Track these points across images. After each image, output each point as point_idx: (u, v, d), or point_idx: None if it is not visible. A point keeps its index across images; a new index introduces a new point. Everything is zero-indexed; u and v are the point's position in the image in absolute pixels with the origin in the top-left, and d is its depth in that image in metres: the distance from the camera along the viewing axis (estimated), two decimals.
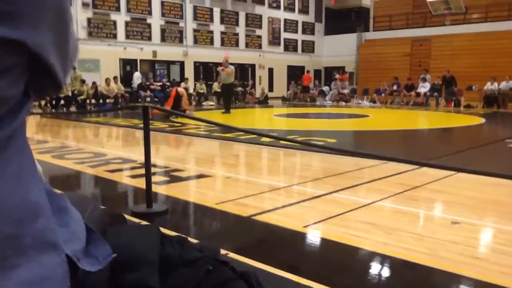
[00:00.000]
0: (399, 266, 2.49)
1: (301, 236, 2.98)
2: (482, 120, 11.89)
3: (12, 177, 0.67)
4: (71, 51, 0.77)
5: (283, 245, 2.84)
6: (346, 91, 20.85)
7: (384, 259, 2.56)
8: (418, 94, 18.30)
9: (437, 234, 2.92)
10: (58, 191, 0.90)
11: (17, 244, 0.69)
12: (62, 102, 15.21)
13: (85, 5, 17.19)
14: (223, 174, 5.03)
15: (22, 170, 0.69)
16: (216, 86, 19.30)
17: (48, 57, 0.66)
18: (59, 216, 0.82)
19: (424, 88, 18.22)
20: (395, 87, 19.40)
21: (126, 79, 18.36)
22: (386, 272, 2.46)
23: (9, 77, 0.61)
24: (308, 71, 24.76)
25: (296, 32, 26.32)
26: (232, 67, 13.65)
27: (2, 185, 0.65)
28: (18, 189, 0.68)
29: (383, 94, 19.66)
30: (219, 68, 14.14)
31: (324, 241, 2.92)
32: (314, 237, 3.01)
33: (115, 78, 16.59)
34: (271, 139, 6.40)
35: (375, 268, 2.49)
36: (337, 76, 22.01)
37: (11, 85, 0.63)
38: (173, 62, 20.65)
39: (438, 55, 21.86)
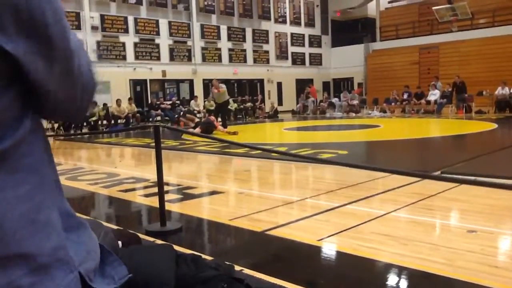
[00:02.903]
0: (416, 277, 2.46)
1: (316, 250, 2.97)
2: (495, 126, 11.77)
3: (24, 198, 0.70)
4: (73, 63, 0.75)
5: (298, 259, 2.82)
6: (355, 102, 20.83)
7: (401, 270, 2.54)
8: (428, 102, 18.21)
9: (454, 243, 2.89)
10: None
11: (30, 263, 0.71)
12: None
13: (94, 28, 17.50)
14: (236, 190, 5.03)
15: (34, 189, 0.72)
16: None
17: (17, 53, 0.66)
18: (78, 233, 0.83)
19: (434, 95, 18.13)
20: (405, 96, 19.33)
21: (136, 99, 18.56)
22: (403, 284, 2.43)
23: None
24: (311, 85, 24.29)
25: (303, 45, 26.44)
26: (224, 86, 13.28)
27: (14, 205, 0.69)
28: (30, 209, 0.71)
29: (393, 104, 19.59)
30: (213, 90, 13.73)
31: (339, 254, 2.90)
32: (329, 250, 3.00)
33: (130, 99, 16.94)
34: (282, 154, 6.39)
35: (392, 280, 2.46)
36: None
37: None
38: (182, 81, 20.83)
39: (446, 62, 21.77)
